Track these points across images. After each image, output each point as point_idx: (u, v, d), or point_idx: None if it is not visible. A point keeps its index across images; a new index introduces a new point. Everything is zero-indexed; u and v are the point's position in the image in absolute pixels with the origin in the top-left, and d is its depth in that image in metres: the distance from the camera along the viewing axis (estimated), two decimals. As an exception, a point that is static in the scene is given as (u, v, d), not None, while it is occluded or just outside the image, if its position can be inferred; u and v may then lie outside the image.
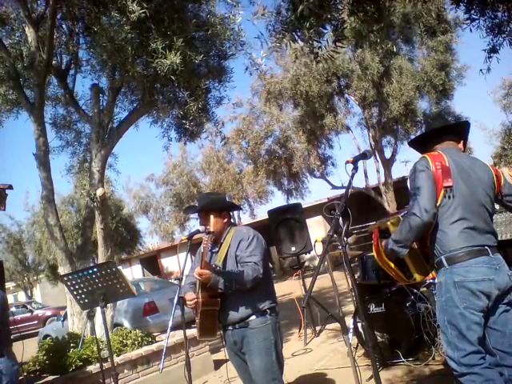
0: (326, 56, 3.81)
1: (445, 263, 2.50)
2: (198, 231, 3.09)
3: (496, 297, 2.45)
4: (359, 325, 4.50)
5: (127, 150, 43.31)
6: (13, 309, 19.89)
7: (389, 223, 2.79)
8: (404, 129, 15.69)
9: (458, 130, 2.87)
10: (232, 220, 3.27)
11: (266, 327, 2.94)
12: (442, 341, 2.69)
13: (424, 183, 2.52)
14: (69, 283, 3.44)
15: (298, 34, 3.59)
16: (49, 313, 20.22)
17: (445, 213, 2.51)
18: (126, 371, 5.22)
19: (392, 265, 2.72)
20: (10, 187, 3.44)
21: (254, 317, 2.94)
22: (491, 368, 2.40)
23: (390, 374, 4.22)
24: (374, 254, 2.83)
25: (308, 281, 4.24)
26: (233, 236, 3.05)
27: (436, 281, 2.67)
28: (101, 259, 6.01)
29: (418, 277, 2.75)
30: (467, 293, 2.42)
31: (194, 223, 21.77)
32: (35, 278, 28.06)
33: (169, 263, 27.58)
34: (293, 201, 19.18)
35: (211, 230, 2.93)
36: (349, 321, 4.60)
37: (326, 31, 3.65)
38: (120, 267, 11.94)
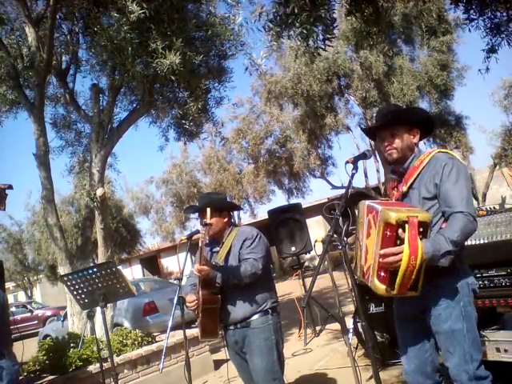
0: (315, 51, 3.76)
1: (457, 265, 2.24)
2: (198, 231, 3.09)
3: None
4: (359, 325, 4.50)
5: (127, 150, 43.34)
6: (13, 309, 19.90)
7: (426, 215, 2.10)
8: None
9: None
10: (232, 220, 3.27)
11: (268, 327, 2.95)
12: (451, 354, 2.23)
13: (469, 188, 2.26)
14: (69, 283, 3.44)
15: (288, 29, 3.55)
16: (49, 313, 20.25)
17: None
18: (126, 371, 5.23)
19: (417, 272, 2.03)
20: (10, 187, 3.44)
21: (255, 316, 2.95)
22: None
23: (390, 374, 4.21)
24: (405, 252, 1.98)
25: (308, 281, 4.24)
26: (236, 235, 3.06)
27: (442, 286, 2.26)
28: (101, 259, 6.02)
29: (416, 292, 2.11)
30: (472, 296, 2.30)
31: (195, 223, 21.82)
32: (35, 278, 28.04)
33: (169, 263, 27.59)
34: (294, 200, 19.16)
35: (208, 221, 2.84)
36: (349, 321, 4.60)
37: (316, 30, 3.60)
38: (120, 267, 11.90)
